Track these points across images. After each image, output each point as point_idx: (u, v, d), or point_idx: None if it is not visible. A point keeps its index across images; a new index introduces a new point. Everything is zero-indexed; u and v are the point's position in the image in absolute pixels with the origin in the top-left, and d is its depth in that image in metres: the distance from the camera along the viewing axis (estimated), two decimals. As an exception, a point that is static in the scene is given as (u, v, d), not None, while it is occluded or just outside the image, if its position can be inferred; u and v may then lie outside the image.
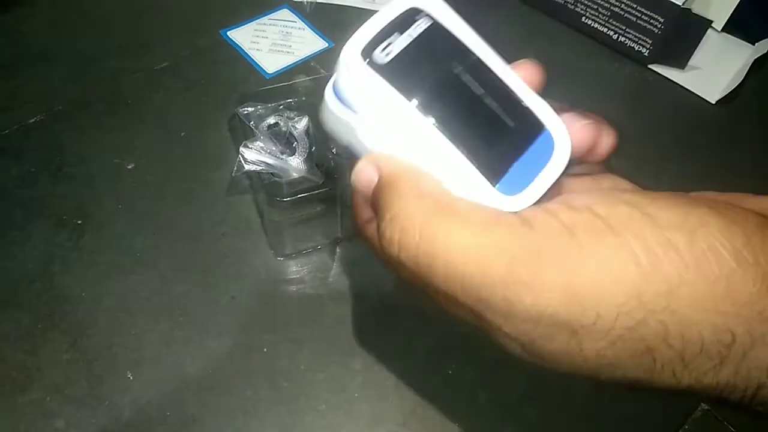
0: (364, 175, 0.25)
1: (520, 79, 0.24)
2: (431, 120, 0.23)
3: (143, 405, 0.38)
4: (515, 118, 0.24)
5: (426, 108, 0.23)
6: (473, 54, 0.24)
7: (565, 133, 0.24)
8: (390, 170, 0.24)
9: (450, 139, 0.23)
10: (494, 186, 0.23)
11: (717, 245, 0.20)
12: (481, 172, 0.23)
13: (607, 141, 0.25)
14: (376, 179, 0.24)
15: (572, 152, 0.24)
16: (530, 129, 0.24)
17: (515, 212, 0.22)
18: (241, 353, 0.41)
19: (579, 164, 0.26)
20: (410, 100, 0.23)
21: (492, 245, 0.21)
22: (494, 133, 0.23)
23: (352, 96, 0.24)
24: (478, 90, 0.23)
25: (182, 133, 0.52)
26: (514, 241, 0.21)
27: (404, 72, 0.23)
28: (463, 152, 0.23)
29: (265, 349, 0.41)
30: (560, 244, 0.20)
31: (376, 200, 0.24)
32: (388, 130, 0.24)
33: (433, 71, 0.23)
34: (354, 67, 0.23)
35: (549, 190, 0.23)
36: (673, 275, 0.19)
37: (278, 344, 0.41)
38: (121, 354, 0.40)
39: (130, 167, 0.50)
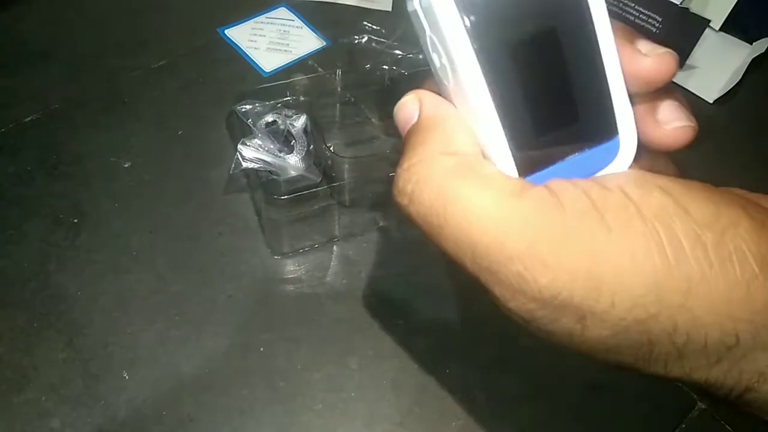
0: (405, 111, 0.23)
1: (621, 71, 0.21)
2: (488, 80, 0.20)
3: (139, 404, 0.38)
4: (590, 112, 0.21)
5: (490, 64, 0.19)
6: (589, 22, 0.20)
7: (632, 149, 0.21)
8: (428, 113, 0.22)
9: (497, 109, 0.20)
10: (522, 177, 0.21)
11: (744, 248, 0.19)
12: (513, 156, 0.20)
13: (684, 132, 0.23)
14: (415, 118, 0.23)
15: (635, 156, 0.21)
16: (599, 131, 0.21)
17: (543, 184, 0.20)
18: (238, 352, 0.41)
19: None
20: (476, 49, 0.19)
21: (514, 217, 0.19)
22: (555, 121, 0.21)
23: (425, 10, 0.20)
24: (568, 65, 0.20)
25: (179, 132, 0.52)
26: (539, 216, 0.19)
27: (488, 13, 0.19)
28: (504, 128, 0.20)
29: (261, 349, 0.41)
30: (588, 225, 0.19)
31: (405, 142, 0.22)
32: (447, 65, 0.21)
33: (526, 23, 0.19)
34: None
35: None
36: (695, 273, 0.19)
37: (275, 343, 0.41)
38: (117, 353, 0.40)
39: (126, 166, 0.50)
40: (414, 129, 0.22)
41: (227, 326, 0.42)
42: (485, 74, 0.19)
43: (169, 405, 0.38)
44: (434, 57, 0.21)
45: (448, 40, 0.20)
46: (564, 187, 0.20)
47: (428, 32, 0.21)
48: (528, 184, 0.20)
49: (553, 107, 0.20)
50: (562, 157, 0.21)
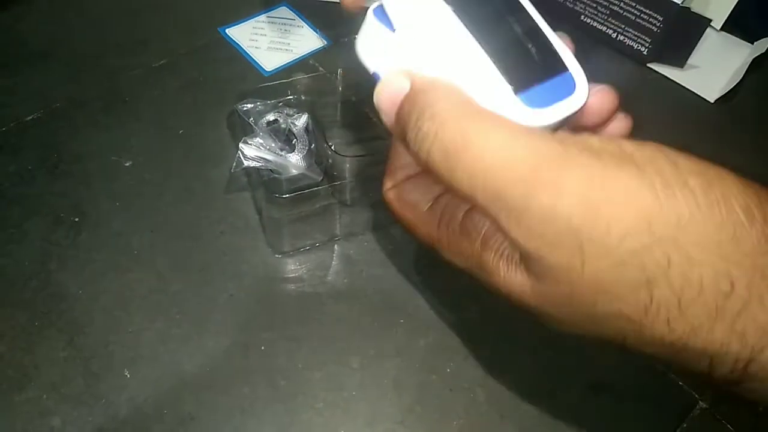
0: (393, 84, 0.25)
1: (551, 30, 0.27)
2: (467, 26, 0.25)
3: (140, 403, 0.38)
4: (542, 54, 0.26)
5: (464, 17, 0.25)
6: None
7: (584, 77, 0.26)
8: (425, 79, 0.25)
9: (481, 46, 0.25)
10: (516, 94, 0.24)
11: (730, 197, 0.21)
12: (505, 78, 0.24)
13: (621, 124, 0.28)
14: (407, 89, 0.25)
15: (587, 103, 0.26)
16: (554, 66, 0.26)
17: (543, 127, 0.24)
18: (239, 351, 0.41)
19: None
20: (450, 6, 0.25)
21: (522, 147, 0.22)
22: (521, 56, 0.25)
23: (395, 7, 0.26)
24: (516, 24, 0.26)
25: (180, 131, 0.52)
26: (544, 147, 0.22)
27: None
28: (492, 59, 0.24)
29: (262, 348, 0.41)
30: (586, 159, 0.21)
31: (411, 105, 0.25)
32: (423, 42, 0.25)
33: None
34: None
35: (567, 118, 0.25)
36: (684, 210, 0.20)
37: (276, 342, 0.41)
38: (118, 352, 0.40)
39: (127, 165, 0.50)
40: (417, 92, 0.25)
41: (228, 325, 0.42)
42: (468, 28, 0.25)
43: (171, 404, 0.38)
44: (399, 59, 0.26)
45: (442, 18, 0.25)
46: (565, 134, 0.24)
47: (393, 41, 0.26)
48: (532, 128, 0.24)
49: (518, 49, 0.26)
50: (539, 81, 0.25)
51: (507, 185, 0.22)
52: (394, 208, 0.31)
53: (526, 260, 0.23)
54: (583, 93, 0.26)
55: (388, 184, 0.31)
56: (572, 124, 0.27)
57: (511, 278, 0.24)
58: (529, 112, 0.24)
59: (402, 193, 0.30)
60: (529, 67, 0.25)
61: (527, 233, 0.22)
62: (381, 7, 0.27)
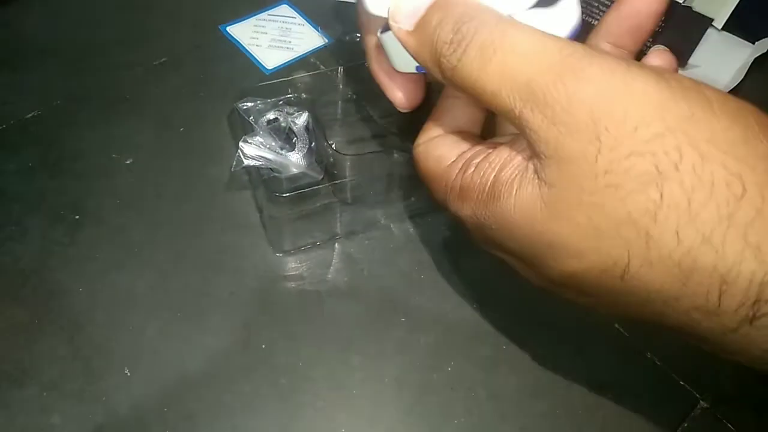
0: None
1: None
2: None
3: (140, 401, 0.38)
4: None
5: None
6: None
7: None
8: None
9: None
10: None
11: (745, 111, 0.22)
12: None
13: (666, 58, 0.31)
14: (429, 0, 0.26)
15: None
16: None
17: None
18: (240, 349, 0.41)
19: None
20: None
21: (554, 42, 0.24)
22: None
23: None
24: None
25: (181, 129, 0.52)
26: (573, 45, 0.24)
27: None
28: None
29: (263, 346, 0.41)
30: (612, 60, 0.23)
31: (444, 12, 0.26)
32: None
33: None
34: None
35: None
36: (697, 109, 0.21)
37: (277, 341, 0.41)
38: (119, 350, 0.40)
39: (128, 162, 0.50)
40: (444, 2, 0.26)
41: (229, 323, 0.42)
42: None
43: (171, 401, 0.38)
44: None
45: None
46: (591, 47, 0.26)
47: None
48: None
49: None
50: None
51: (537, 73, 0.23)
52: (419, 161, 0.32)
53: (541, 162, 0.23)
54: None
55: (419, 140, 0.33)
56: (620, 24, 0.30)
57: (523, 194, 0.24)
58: None
59: (429, 147, 0.32)
60: None
61: (551, 120, 0.22)
62: None
